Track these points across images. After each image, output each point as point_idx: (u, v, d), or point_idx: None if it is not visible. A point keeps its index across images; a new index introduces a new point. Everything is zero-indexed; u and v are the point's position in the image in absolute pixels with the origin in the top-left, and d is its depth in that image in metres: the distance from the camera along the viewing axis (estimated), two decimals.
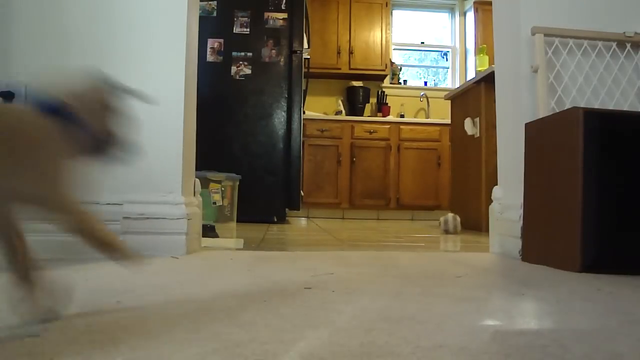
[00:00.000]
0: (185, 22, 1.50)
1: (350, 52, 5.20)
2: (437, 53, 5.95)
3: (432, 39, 5.89)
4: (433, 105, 5.45)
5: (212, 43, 3.57)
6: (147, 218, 1.41)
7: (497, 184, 1.78)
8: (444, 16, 5.87)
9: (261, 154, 3.58)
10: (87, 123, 0.69)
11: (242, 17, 3.61)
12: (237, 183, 2.50)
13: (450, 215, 3.00)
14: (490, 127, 2.95)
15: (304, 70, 3.69)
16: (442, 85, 5.82)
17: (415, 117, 5.49)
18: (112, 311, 0.73)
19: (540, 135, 1.44)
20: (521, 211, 1.51)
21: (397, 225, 3.75)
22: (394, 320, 0.70)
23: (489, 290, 0.99)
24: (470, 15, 5.50)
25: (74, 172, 0.67)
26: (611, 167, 1.24)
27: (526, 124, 1.51)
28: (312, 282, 1.02)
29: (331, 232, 2.82)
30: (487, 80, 3.03)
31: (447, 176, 4.70)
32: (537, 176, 1.44)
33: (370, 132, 4.87)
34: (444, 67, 5.91)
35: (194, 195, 1.61)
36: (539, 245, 1.42)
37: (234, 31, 3.60)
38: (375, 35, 5.26)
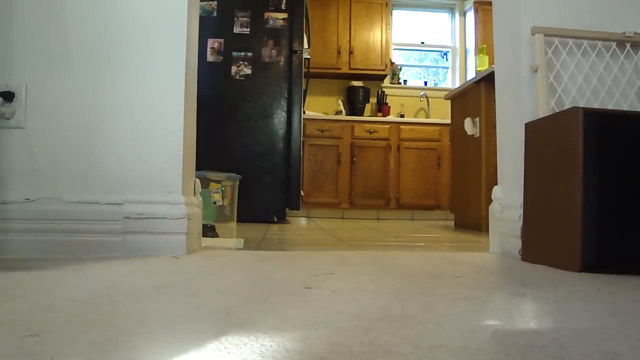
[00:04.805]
0: (185, 22, 1.50)
1: (350, 52, 5.20)
2: (437, 53, 5.95)
3: (432, 39, 5.89)
4: (433, 105, 5.46)
5: (212, 43, 3.57)
6: (148, 218, 1.41)
7: (497, 184, 1.78)
8: (444, 16, 5.87)
9: (261, 154, 3.58)
10: None
11: (242, 17, 3.61)
12: (237, 183, 2.50)
13: None
14: (490, 127, 2.96)
15: (304, 70, 3.69)
16: (442, 85, 5.82)
17: (415, 117, 5.49)
18: (112, 311, 0.73)
19: (540, 135, 1.44)
20: (521, 211, 1.51)
21: (397, 225, 3.75)
22: (394, 320, 0.70)
23: (488, 290, 0.99)
24: (470, 15, 5.50)
25: None
26: (611, 166, 1.24)
27: (526, 124, 1.51)
28: (312, 282, 1.02)
29: (331, 232, 2.82)
30: (487, 80, 3.03)
31: (447, 176, 4.70)
32: (537, 176, 1.44)
33: (370, 132, 4.87)
34: (444, 67, 5.91)
35: (194, 195, 1.62)
36: (539, 245, 1.42)
37: (234, 31, 3.60)
38: (375, 35, 5.26)
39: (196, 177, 1.65)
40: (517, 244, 1.53)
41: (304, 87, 3.72)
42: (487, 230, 1.86)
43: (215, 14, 3.60)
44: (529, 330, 0.69)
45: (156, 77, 1.48)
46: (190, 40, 1.55)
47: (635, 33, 1.59)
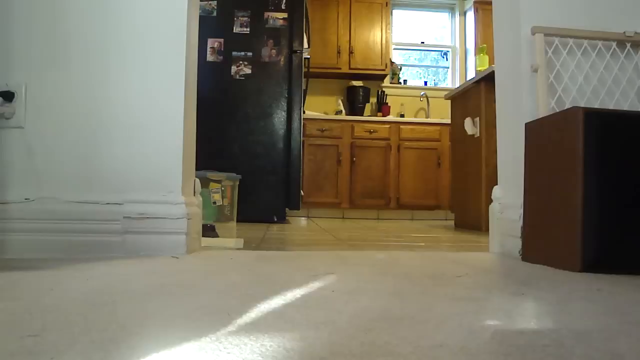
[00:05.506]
0: (185, 22, 1.50)
1: (350, 52, 5.20)
2: (437, 53, 5.95)
3: (432, 38, 5.89)
4: (433, 105, 5.45)
5: (212, 43, 3.57)
6: (148, 218, 1.41)
7: (497, 184, 1.78)
8: (444, 16, 5.87)
9: (261, 153, 3.58)
10: None
11: (242, 16, 3.61)
12: (237, 183, 2.50)
13: None
14: (490, 126, 2.95)
15: (304, 70, 3.69)
16: (442, 85, 5.82)
17: (415, 116, 5.49)
18: (112, 311, 0.73)
19: (540, 135, 1.44)
20: (521, 211, 1.51)
21: (397, 225, 3.75)
22: (394, 320, 0.70)
23: (489, 290, 0.99)
24: (470, 15, 5.50)
25: None
26: (611, 166, 1.24)
27: (526, 124, 1.51)
28: (312, 281, 1.02)
29: (331, 231, 2.82)
30: (487, 80, 3.03)
31: (447, 176, 4.70)
32: (537, 176, 1.44)
33: (370, 132, 4.87)
34: (444, 67, 5.91)
35: (194, 194, 1.61)
36: (539, 245, 1.42)
37: (234, 31, 3.60)
38: (375, 35, 5.26)
39: (196, 177, 1.65)
40: (517, 244, 1.53)
41: (303, 86, 3.72)
42: (487, 230, 1.86)
43: (215, 13, 3.60)
44: (529, 330, 0.69)
45: (156, 76, 1.48)
46: (190, 40, 1.55)
47: (636, 33, 1.59)
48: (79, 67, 1.46)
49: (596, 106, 1.56)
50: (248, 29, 3.61)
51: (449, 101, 3.81)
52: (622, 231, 1.23)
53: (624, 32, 1.59)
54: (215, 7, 3.60)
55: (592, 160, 1.23)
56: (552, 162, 1.36)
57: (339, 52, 5.19)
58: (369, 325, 0.67)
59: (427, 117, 5.44)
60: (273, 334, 0.62)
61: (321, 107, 5.36)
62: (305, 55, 3.72)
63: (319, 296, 0.87)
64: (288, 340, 0.60)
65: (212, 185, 2.31)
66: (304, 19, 3.69)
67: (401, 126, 4.93)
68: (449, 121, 4.09)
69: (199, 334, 0.62)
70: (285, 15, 3.63)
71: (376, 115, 5.35)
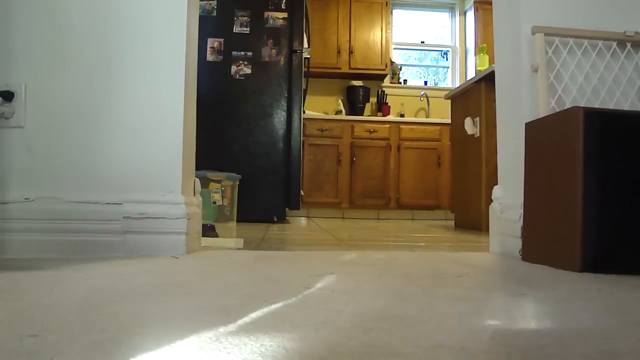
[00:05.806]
0: (185, 21, 1.50)
1: (351, 52, 5.20)
2: (437, 52, 5.95)
3: (432, 38, 5.89)
4: (433, 105, 5.45)
5: (212, 42, 3.57)
6: (147, 217, 1.41)
7: (497, 184, 1.78)
8: (444, 15, 5.87)
9: (261, 153, 3.58)
10: None
11: (242, 16, 3.61)
12: (237, 183, 2.49)
13: None
14: (490, 126, 2.95)
15: (304, 69, 3.69)
16: (442, 85, 5.82)
17: (415, 116, 5.50)
18: (112, 311, 0.73)
19: (540, 134, 1.44)
20: (521, 211, 1.51)
21: (397, 225, 3.75)
22: (394, 320, 0.70)
23: (489, 290, 0.99)
24: (471, 15, 5.50)
25: None
26: (612, 166, 1.24)
27: (526, 124, 1.51)
28: (312, 281, 1.02)
29: (331, 231, 2.82)
30: (487, 80, 3.03)
31: (447, 176, 4.70)
32: (537, 176, 1.44)
33: (370, 132, 4.87)
34: (444, 67, 5.91)
35: (194, 194, 1.61)
36: (539, 245, 1.42)
37: (234, 30, 3.60)
38: (375, 35, 5.26)
39: (196, 176, 1.65)
40: (517, 243, 1.53)
41: (303, 86, 3.72)
42: (487, 230, 1.86)
43: (215, 13, 3.60)
44: (529, 330, 0.69)
45: (156, 76, 1.48)
46: (190, 40, 1.55)
47: (636, 32, 1.59)
48: (78, 67, 1.46)
49: (596, 106, 1.56)
50: (248, 29, 3.61)
51: (449, 101, 3.80)
52: (622, 231, 1.23)
53: (624, 32, 1.59)
54: (215, 7, 3.60)
55: (592, 160, 1.23)
56: (552, 162, 1.36)
57: (339, 52, 5.19)
58: (368, 325, 0.67)
59: (427, 117, 5.44)
60: (273, 334, 0.62)
61: (321, 107, 5.36)
62: (305, 55, 3.72)
63: (318, 296, 0.87)
64: (288, 340, 0.59)
65: (212, 185, 2.30)
66: (304, 19, 3.69)
67: (401, 126, 4.93)
68: (449, 121, 4.09)
69: (198, 334, 0.62)
70: (285, 15, 3.63)
71: (376, 115, 5.35)
